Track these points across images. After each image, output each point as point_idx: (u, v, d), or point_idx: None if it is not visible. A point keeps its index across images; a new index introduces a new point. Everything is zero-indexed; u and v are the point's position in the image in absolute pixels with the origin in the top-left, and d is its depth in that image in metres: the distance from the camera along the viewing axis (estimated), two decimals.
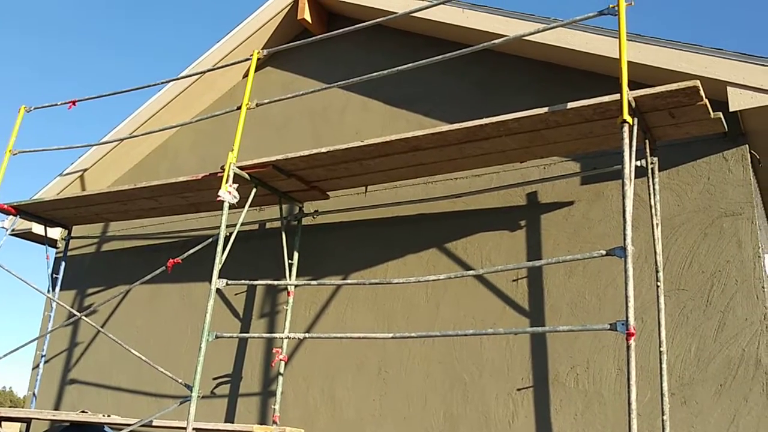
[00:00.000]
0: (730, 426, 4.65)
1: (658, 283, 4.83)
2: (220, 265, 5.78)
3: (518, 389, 5.47)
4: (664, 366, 4.65)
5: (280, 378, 6.38)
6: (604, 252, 4.20)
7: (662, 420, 4.53)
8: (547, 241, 5.76)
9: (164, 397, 7.29)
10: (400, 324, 6.14)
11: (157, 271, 6.12)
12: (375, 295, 6.43)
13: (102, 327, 8.05)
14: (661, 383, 4.59)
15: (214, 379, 7.05)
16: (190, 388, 5.50)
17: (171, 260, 6.03)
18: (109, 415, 6.76)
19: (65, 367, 8.24)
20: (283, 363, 6.41)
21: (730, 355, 4.79)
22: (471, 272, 5.13)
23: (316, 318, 6.69)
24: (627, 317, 3.95)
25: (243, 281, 5.81)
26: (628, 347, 3.92)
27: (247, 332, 6.99)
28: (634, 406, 3.79)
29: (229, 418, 6.79)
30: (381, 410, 6.03)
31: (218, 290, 7.42)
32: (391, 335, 4.91)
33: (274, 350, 6.42)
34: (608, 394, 5.12)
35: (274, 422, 6.20)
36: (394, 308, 6.28)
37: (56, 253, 8.92)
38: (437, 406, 5.77)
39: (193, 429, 5.38)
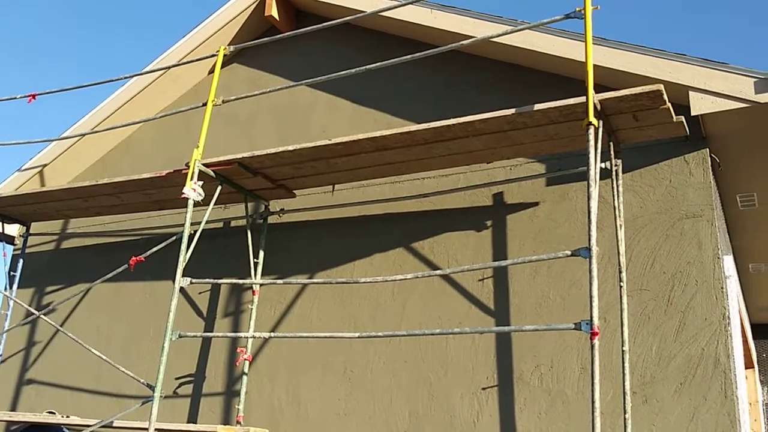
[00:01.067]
0: (689, 424, 4.75)
1: (621, 284, 4.90)
2: (184, 264, 5.71)
3: (483, 388, 5.51)
4: (626, 365, 4.72)
5: (245, 378, 6.32)
6: (569, 252, 4.25)
7: (624, 418, 4.59)
8: (512, 242, 5.81)
9: (126, 397, 7.16)
10: (366, 323, 6.13)
11: (120, 269, 6.02)
12: (341, 294, 6.40)
13: (61, 326, 7.88)
14: (624, 382, 4.66)
15: (177, 378, 6.95)
16: (152, 387, 5.41)
17: (134, 258, 5.93)
18: (68, 416, 6.62)
19: (22, 367, 8.04)
20: (247, 362, 6.35)
21: (690, 354, 4.88)
22: (437, 272, 5.15)
23: (281, 317, 6.64)
24: (591, 317, 4.00)
25: (207, 280, 5.75)
26: (592, 346, 3.98)
27: (212, 331, 6.90)
28: (597, 404, 3.84)
29: (192, 418, 6.70)
30: (346, 409, 6.01)
31: (182, 289, 7.30)
32: (357, 335, 4.90)
33: (238, 350, 6.36)
34: (571, 392, 5.18)
35: (238, 422, 6.14)
36: (360, 308, 6.27)
37: (14, 250, 8.71)
38: (402, 405, 5.78)
39: (156, 429, 5.30)
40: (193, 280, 5.66)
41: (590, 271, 4.10)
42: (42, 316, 6.45)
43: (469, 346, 5.67)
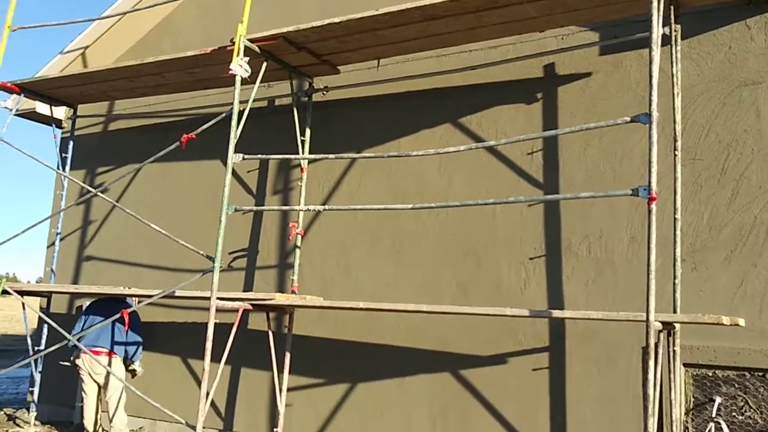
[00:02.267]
0: (737, 290, 4.83)
1: (676, 153, 4.86)
2: (236, 140, 5.77)
3: (530, 258, 5.63)
4: (678, 233, 4.76)
5: (297, 251, 6.53)
6: (628, 119, 4.20)
7: (673, 284, 4.69)
8: (563, 113, 5.74)
9: (182, 271, 7.46)
10: (413, 199, 6.20)
11: (171, 147, 6.10)
12: (388, 171, 6.46)
13: (114, 206, 8.13)
14: (675, 249, 4.72)
15: (231, 253, 7.21)
16: (212, 259, 5.64)
17: (185, 136, 6.01)
18: (129, 288, 6.96)
19: (80, 245, 8.40)
20: (299, 236, 6.53)
21: (742, 222, 4.90)
22: (486, 143, 5.16)
23: (329, 194, 6.76)
24: (650, 182, 4.01)
25: (258, 156, 5.83)
26: (650, 212, 4.01)
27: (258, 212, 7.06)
28: (653, 267, 3.92)
29: (247, 289, 7.00)
30: (395, 280, 6.22)
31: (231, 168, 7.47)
32: (410, 206, 4.99)
33: (290, 224, 6.53)
34: (620, 261, 5.28)
35: (293, 292, 6.41)
36: (407, 184, 6.34)
37: (62, 133, 8.84)
38: (450, 275, 5.95)
39: (217, 298, 5.57)
40: (246, 156, 5.75)
41: (650, 137, 4.07)
42: (99, 193, 6.65)
43: (517, 218, 5.75)
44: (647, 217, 4.05)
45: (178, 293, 6.03)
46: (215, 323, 6.65)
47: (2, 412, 8.56)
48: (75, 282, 8.27)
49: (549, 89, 5.83)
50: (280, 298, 5.79)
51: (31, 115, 8.75)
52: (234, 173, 7.34)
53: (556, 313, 4.79)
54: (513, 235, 5.74)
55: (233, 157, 5.74)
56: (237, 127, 5.78)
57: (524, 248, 5.68)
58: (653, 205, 4.00)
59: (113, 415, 6.76)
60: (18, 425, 7.84)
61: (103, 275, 8.07)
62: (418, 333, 5.99)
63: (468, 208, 5.92)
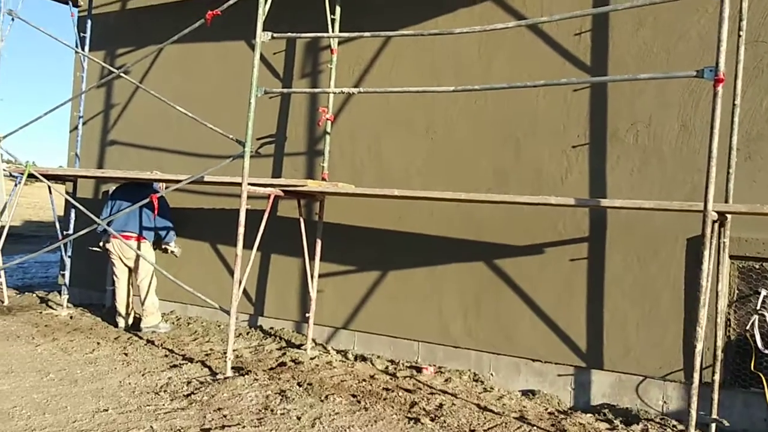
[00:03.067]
0: None
1: (740, 33, 4.49)
2: (264, 17, 5.44)
3: (573, 146, 5.40)
4: (736, 119, 4.47)
5: (327, 137, 6.32)
6: None
7: (727, 173, 4.46)
8: None
9: (208, 156, 7.31)
10: (449, 82, 5.88)
11: (195, 25, 5.78)
12: (422, 53, 6.13)
13: (137, 89, 7.89)
14: (731, 137, 4.45)
15: (259, 139, 7.01)
16: (242, 143, 5.45)
17: (210, 12, 5.68)
18: (156, 172, 6.85)
19: (103, 129, 8.23)
20: (329, 122, 6.31)
21: None
22: (531, 21, 4.82)
23: (360, 78, 6.46)
24: (717, 62, 3.71)
25: (288, 34, 5.51)
26: (715, 94, 3.73)
27: (286, 94, 6.80)
28: (714, 154, 3.70)
29: (276, 176, 6.86)
30: (428, 168, 6.03)
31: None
32: (451, 88, 4.71)
33: (320, 109, 6.29)
34: (668, 149, 5.03)
35: (323, 179, 6.26)
36: (443, 66, 6.02)
37: (79, 12, 8.47)
38: (487, 163, 5.75)
39: (248, 184, 5.43)
40: (274, 35, 5.43)
41: (721, 11, 3.72)
42: (122, 74, 6.39)
43: (561, 104, 5.46)
44: (712, 101, 3.77)
45: (207, 179, 5.90)
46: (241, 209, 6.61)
47: (34, 295, 8.72)
48: (99, 167, 8.17)
49: None
50: (312, 185, 5.64)
51: None
52: (261, 56, 7.03)
53: (605, 202, 4.60)
54: (556, 122, 5.48)
55: (261, 36, 5.43)
56: (265, 3, 5.43)
57: (567, 136, 5.43)
58: (720, 87, 3.72)
59: (144, 298, 6.83)
60: (51, 307, 7.98)
61: (127, 160, 7.94)
62: (452, 222, 5.87)
63: (508, 93, 5.64)
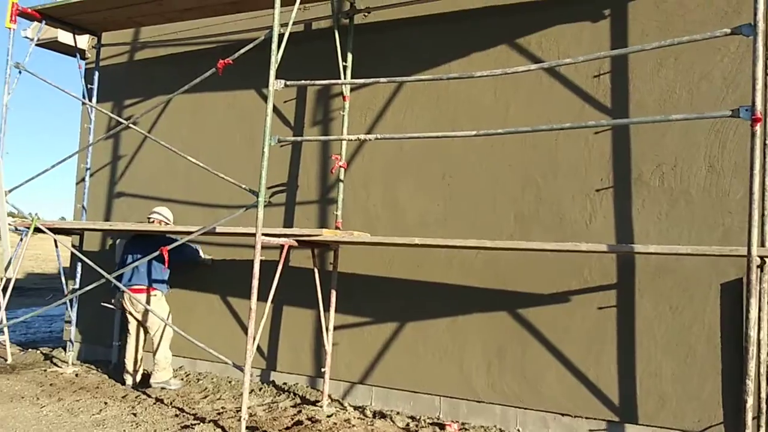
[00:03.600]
0: None
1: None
2: (276, 65, 5.35)
3: (597, 190, 5.24)
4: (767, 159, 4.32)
5: (341, 185, 6.18)
6: (728, 30, 3.73)
7: (762, 215, 4.27)
8: (634, 31, 5.24)
9: (218, 207, 7.17)
10: (464, 128, 5.76)
11: (206, 74, 5.70)
12: (436, 98, 6.03)
13: (145, 140, 7.80)
14: (765, 178, 4.28)
15: (270, 188, 6.85)
16: (255, 193, 5.30)
17: (222, 61, 5.60)
18: (166, 223, 6.69)
19: (111, 180, 8.10)
20: (342, 170, 6.17)
21: None
22: (549, 64, 4.72)
23: (372, 125, 6.35)
24: (753, 101, 3.58)
25: (302, 81, 5.42)
26: (753, 134, 3.59)
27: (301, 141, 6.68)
28: (756, 196, 3.54)
29: (287, 225, 6.70)
30: (446, 214, 5.87)
31: (265, 98, 7.06)
32: (473, 132, 4.57)
33: (333, 157, 6.16)
34: (696, 192, 4.87)
35: (337, 227, 6.09)
36: (457, 111, 5.91)
37: (86, 64, 8.45)
38: (507, 209, 5.59)
39: (262, 234, 5.26)
40: (288, 82, 5.34)
41: (754, 50, 3.61)
42: (131, 125, 6.29)
43: (582, 147, 5.33)
44: (750, 141, 3.63)
45: (219, 229, 5.73)
46: (252, 261, 6.43)
47: (38, 351, 8.47)
48: (106, 219, 8.02)
49: (618, 5, 5.31)
50: (328, 234, 5.47)
51: (53, 45, 8.34)
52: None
53: (639, 248, 4.41)
54: (577, 165, 5.33)
55: (274, 84, 5.33)
56: (278, 51, 5.35)
57: (589, 179, 5.28)
58: (758, 127, 3.58)
59: (156, 351, 6.60)
60: (56, 365, 7.73)
61: (135, 212, 7.79)
62: (472, 270, 5.68)
63: (527, 136, 5.52)
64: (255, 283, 5.18)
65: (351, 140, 5.65)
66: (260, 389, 6.54)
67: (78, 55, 7.81)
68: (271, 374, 6.67)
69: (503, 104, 5.70)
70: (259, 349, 6.75)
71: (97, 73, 7.93)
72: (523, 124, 5.50)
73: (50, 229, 6.80)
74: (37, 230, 6.72)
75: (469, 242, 4.85)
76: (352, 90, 6.32)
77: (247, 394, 5.19)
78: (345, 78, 6.15)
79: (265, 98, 6.98)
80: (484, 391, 5.54)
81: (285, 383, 6.56)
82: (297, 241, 5.61)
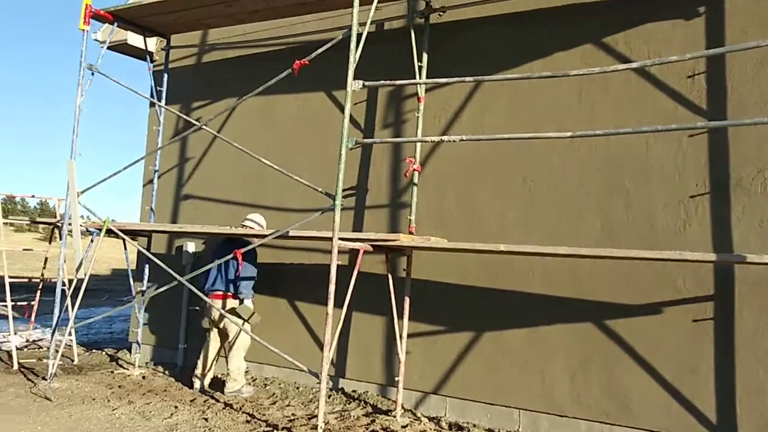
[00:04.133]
0: None
1: None
2: (354, 65, 5.22)
3: (692, 196, 4.96)
4: None
5: (414, 188, 6.01)
6: None
7: None
8: (732, 30, 4.95)
9: (287, 210, 7.09)
10: (547, 129, 5.54)
11: (282, 75, 5.60)
12: (517, 98, 5.82)
13: (213, 142, 7.77)
14: None
15: (326, 193, 6.73)
16: (332, 197, 5.18)
17: (298, 62, 5.50)
18: (234, 228, 6.61)
19: (177, 183, 8.10)
20: (416, 173, 6.00)
21: None
22: (640, 63, 4.48)
23: (447, 126, 6.18)
24: None
25: (382, 81, 5.27)
26: None
27: (372, 144, 6.54)
28: None
29: (356, 230, 6.56)
30: (527, 220, 5.65)
31: (335, 100, 6.96)
32: (568, 134, 4.35)
33: (407, 159, 5.99)
34: None
35: (410, 232, 5.93)
36: (539, 112, 5.69)
37: (154, 66, 8.46)
38: (593, 215, 5.35)
39: (339, 239, 5.13)
40: (366, 83, 5.20)
41: None
42: (204, 127, 6.23)
43: (675, 150, 5.06)
44: None
45: (293, 233, 5.62)
46: (322, 265, 6.31)
47: (103, 353, 8.52)
48: (173, 221, 8.01)
49: (714, 1, 5.03)
50: (405, 239, 5.31)
51: (123, 48, 8.39)
52: (339, 106, 6.85)
53: (753, 258, 4.13)
54: (669, 170, 5.06)
55: (352, 85, 5.20)
56: (356, 51, 5.22)
57: (684, 184, 5.00)
58: None
59: (230, 361, 6.46)
60: (122, 366, 7.74)
61: (202, 214, 7.77)
62: (554, 279, 5.45)
63: (615, 139, 5.27)
64: (332, 288, 5.05)
65: (430, 142, 5.48)
66: (329, 396, 6.40)
67: (148, 56, 7.83)
68: (340, 381, 6.54)
69: (589, 105, 5.46)
70: None
71: (166, 75, 7.94)
72: (611, 125, 5.25)
73: (122, 231, 6.80)
74: (108, 232, 6.71)
75: (561, 249, 4.64)
76: (426, 91, 6.15)
77: (323, 402, 5.06)
78: (420, 78, 5.98)
79: (335, 101, 6.93)
80: (567, 405, 5.30)
81: (354, 391, 6.42)
82: (371, 245, 5.46)
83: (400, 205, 6.36)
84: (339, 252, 5.88)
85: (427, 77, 6.14)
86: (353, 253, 6.48)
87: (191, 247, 7.74)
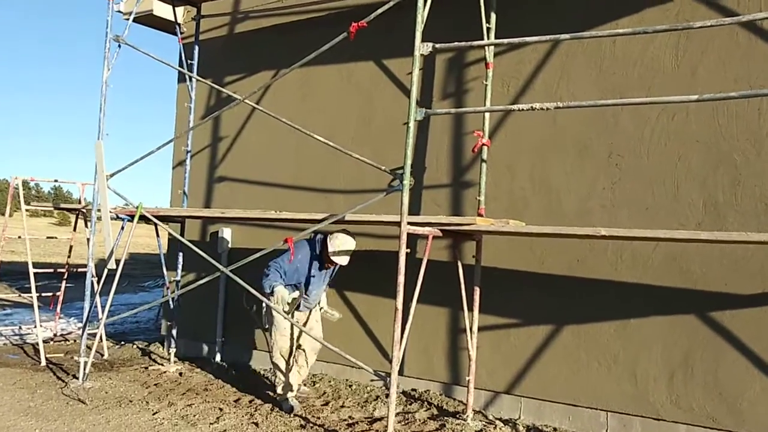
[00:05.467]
0: None
1: None
2: (422, 25, 4.58)
3: None
4: None
5: (483, 165, 5.37)
6: None
7: None
8: None
9: (332, 192, 6.49)
10: (636, 96, 4.88)
11: (337, 39, 4.96)
12: (600, 62, 5.16)
13: (248, 119, 7.17)
14: None
15: (391, 171, 6.13)
16: (399, 176, 4.57)
17: (355, 24, 4.86)
18: (279, 212, 6.02)
19: (210, 165, 7.51)
20: (486, 148, 5.36)
21: None
22: (750, 17, 3.81)
23: (517, 96, 5.54)
24: None
25: (455, 44, 4.62)
26: None
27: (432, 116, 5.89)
28: None
29: (413, 213, 5.94)
30: (613, 200, 5.01)
31: (385, 67, 6.33)
32: (673, 99, 3.70)
33: (475, 133, 5.34)
34: None
35: (479, 215, 5.30)
36: (627, 77, 5.03)
37: (183, 39, 7.81)
38: (694, 193, 4.70)
39: (408, 224, 4.53)
40: (437, 45, 4.55)
41: None
42: (246, 101, 5.62)
43: None
44: None
45: (351, 217, 5.03)
46: (373, 252, 5.72)
47: (134, 346, 8.00)
48: (206, 205, 7.43)
49: None
50: (482, 223, 4.69)
51: (147, 20, 7.75)
52: (389, 76, 6.22)
53: None
54: None
55: (420, 48, 4.56)
56: (424, 8, 4.58)
57: None
58: None
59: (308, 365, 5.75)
60: (155, 361, 7.21)
61: (238, 197, 7.18)
62: (648, 266, 4.83)
63: (719, 106, 4.62)
64: (401, 279, 4.47)
65: (508, 110, 4.85)
66: (387, 396, 5.83)
67: (177, 25, 7.22)
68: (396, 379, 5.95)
69: (687, 67, 4.79)
70: (381, 349, 6.06)
71: (196, 48, 7.31)
72: (716, 89, 4.58)
73: (156, 217, 6.22)
74: (143, 218, 6.14)
75: (678, 233, 4.00)
76: (506, 46, 5.49)
77: (393, 408, 4.50)
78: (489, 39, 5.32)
79: (386, 70, 6.29)
80: (665, 408, 4.69)
81: (414, 390, 5.85)
82: (441, 230, 4.86)
83: (462, 185, 5.74)
84: (391, 237, 5.33)
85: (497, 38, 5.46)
86: (411, 239, 5.91)
87: (227, 233, 7.17)
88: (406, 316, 5.50)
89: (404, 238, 4.47)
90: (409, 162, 4.53)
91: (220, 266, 5.53)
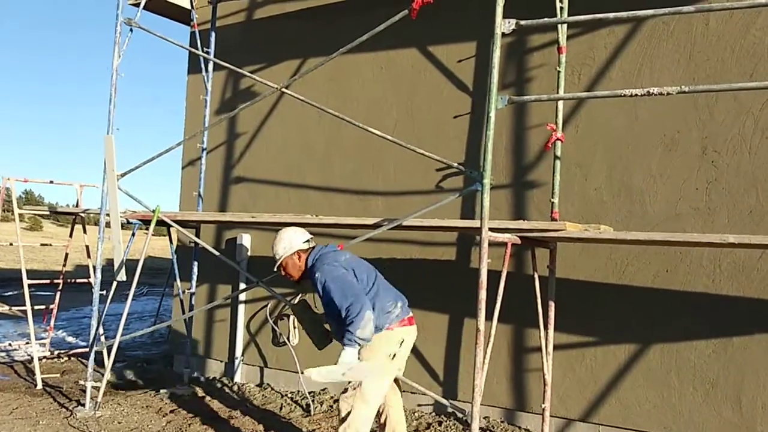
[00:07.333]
0: None
1: None
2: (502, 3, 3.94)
3: None
4: None
5: (557, 163, 4.74)
6: None
7: None
8: None
9: (370, 194, 5.83)
10: (738, 82, 4.30)
11: (396, 18, 4.27)
12: (690, 42, 4.56)
13: (269, 114, 6.48)
14: None
15: (439, 170, 5.50)
16: (476, 174, 3.92)
17: (418, 1, 4.19)
18: (316, 215, 5.33)
19: (226, 164, 6.79)
20: (559, 143, 4.73)
21: None
22: None
23: (590, 85, 4.93)
24: None
25: (545, 19, 3.99)
26: None
27: (480, 110, 5.27)
28: None
29: (467, 217, 5.32)
30: (709, 202, 4.42)
31: (432, 58, 5.69)
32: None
33: (548, 126, 4.71)
34: None
35: (553, 218, 4.68)
36: (726, 60, 4.44)
37: (198, 27, 7.07)
38: None
39: (489, 229, 3.87)
40: (522, 22, 3.91)
41: None
42: (284, 90, 4.93)
43: None
44: None
45: (415, 222, 4.38)
46: (424, 260, 5.13)
47: (137, 364, 7.25)
48: (222, 208, 6.71)
49: None
50: (573, 229, 4.06)
51: (158, 7, 7.01)
52: (436, 65, 5.58)
53: None
54: None
55: (502, 25, 3.92)
56: None
57: None
58: None
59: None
60: (166, 383, 6.46)
61: (259, 199, 6.48)
62: (753, 277, 4.24)
63: None
64: (482, 295, 3.80)
65: (623, 96, 4.22)
66: (440, 423, 5.18)
67: (193, 11, 6.52)
68: (449, 404, 5.29)
69: None
70: (431, 370, 5.41)
71: (213, 34, 6.60)
72: None
73: (173, 221, 5.50)
74: (160, 222, 5.42)
75: None
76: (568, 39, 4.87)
77: None
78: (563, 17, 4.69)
79: (432, 58, 5.66)
80: None
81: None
82: (520, 237, 4.22)
83: (525, 185, 5.12)
84: (434, 244, 4.70)
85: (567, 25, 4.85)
86: (464, 245, 5.30)
87: (246, 240, 6.46)
88: (449, 330, 4.89)
89: (485, 246, 3.80)
90: (489, 157, 3.86)
91: (251, 277, 4.83)
